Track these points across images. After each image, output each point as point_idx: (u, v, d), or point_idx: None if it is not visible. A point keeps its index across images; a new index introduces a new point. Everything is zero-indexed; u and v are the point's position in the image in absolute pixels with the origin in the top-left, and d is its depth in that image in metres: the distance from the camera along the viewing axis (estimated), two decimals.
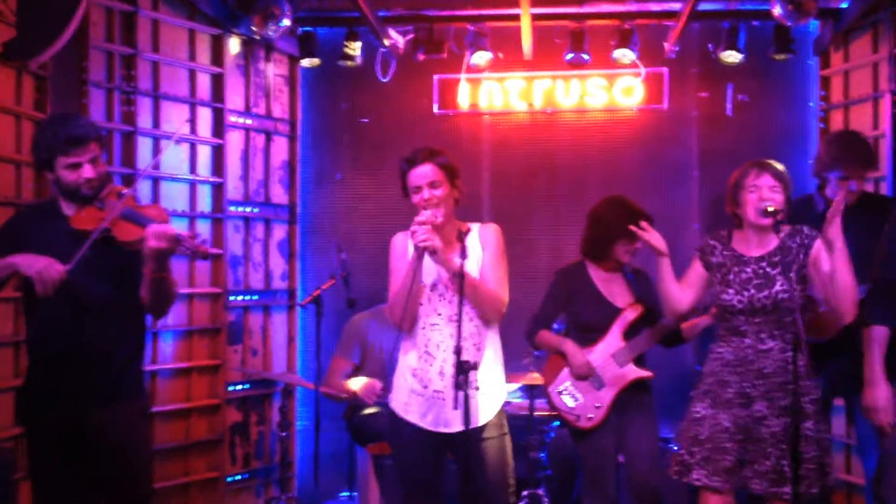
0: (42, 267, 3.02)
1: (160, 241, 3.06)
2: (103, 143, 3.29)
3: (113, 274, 3.23)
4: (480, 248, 3.45)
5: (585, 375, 4.18)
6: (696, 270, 3.61)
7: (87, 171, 3.16)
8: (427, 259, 3.31)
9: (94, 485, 3.30)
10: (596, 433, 4.17)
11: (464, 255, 3.20)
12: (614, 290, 4.29)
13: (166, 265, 3.18)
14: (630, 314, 4.22)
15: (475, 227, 3.48)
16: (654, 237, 3.65)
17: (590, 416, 4.17)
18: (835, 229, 3.28)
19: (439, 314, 3.41)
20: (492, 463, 3.40)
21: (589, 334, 4.25)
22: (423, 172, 3.37)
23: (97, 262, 3.16)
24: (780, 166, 3.54)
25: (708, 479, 3.38)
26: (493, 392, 3.45)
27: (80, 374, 3.19)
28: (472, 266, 3.40)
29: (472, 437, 3.28)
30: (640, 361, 4.25)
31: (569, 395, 4.22)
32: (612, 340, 4.21)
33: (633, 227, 3.69)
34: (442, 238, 3.30)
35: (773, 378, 3.39)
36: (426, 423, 3.41)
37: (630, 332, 4.22)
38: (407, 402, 3.45)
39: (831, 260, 3.30)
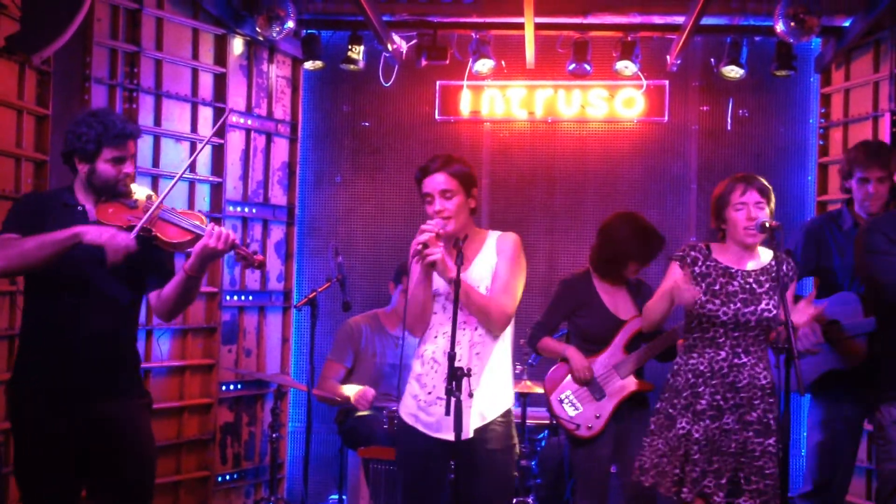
0: (112, 235, 3.00)
1: (218, 242, 3.05)
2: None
3: (127, 274, 3.18)
4: (496, 257, 3.34)
5: (586, 380, 4.19)
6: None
7: (129, 167, 3.16)
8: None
9: (94, 482, 3.23)
10: (595, 442, 4.19)
11: (460, 261, 3.15)
12: (619, 302, 4.31)
13: (207, 268, 3.18)
14: (633, 327, 4.23)
15: (493, 236, 3.39)
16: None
17: (589, 425, 4.18)
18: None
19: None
20: (493, 475, 3.28)
21: (592, 345, 4.27)
22: (436, 181, 3.26)
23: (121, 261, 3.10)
24: (762, 180, 3.52)
25: (691, 491, 3.42)
26: (493, 403, 3.31)
27: (83, 367, 3.13)
28: (484, 275, 3.31)
29: (473, 446, 3.21)
30: (639, 373, 4.27)
31: (569, 404, 4.23)
32: (615, 352, 4.23)
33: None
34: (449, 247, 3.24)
35: (744, 393, 3.43)
36: (429, 430, 3.30)
37: (632, 345, 4.24)
38: (411, 409, 3.37)
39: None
